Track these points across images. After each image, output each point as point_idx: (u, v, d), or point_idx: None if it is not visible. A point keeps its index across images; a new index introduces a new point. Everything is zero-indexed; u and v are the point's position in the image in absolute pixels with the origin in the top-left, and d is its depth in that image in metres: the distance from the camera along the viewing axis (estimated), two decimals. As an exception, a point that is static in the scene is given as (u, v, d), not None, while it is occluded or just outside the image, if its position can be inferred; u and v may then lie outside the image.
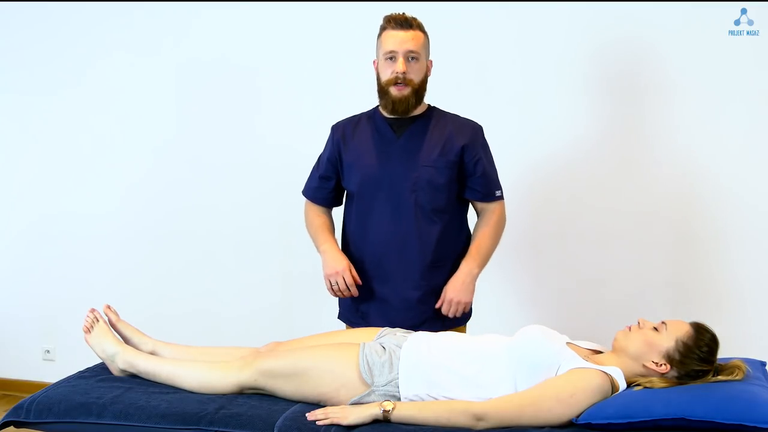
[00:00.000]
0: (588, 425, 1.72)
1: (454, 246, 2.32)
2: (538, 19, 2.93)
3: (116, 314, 2.25)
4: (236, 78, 3.33)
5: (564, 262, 2.99)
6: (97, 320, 2.18)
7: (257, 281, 3.36)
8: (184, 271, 3.47)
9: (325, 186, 2.41)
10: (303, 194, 2.48)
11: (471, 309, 2.41)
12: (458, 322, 2.36)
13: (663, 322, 1.89)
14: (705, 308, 2.76)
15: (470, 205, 2.39)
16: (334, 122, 2.43)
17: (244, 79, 3.32)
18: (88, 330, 2.17)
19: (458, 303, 2.25)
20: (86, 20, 3.49)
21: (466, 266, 2.27)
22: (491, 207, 2.34)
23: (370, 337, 2.04)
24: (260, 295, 3.36)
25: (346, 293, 2.28)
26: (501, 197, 2.35)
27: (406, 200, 2.25)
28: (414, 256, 2.26)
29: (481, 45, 3.01)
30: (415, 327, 2.18)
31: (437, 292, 2.28)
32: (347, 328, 2.43)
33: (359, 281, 2.28)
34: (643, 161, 2.88)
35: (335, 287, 2.28)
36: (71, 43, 3.53)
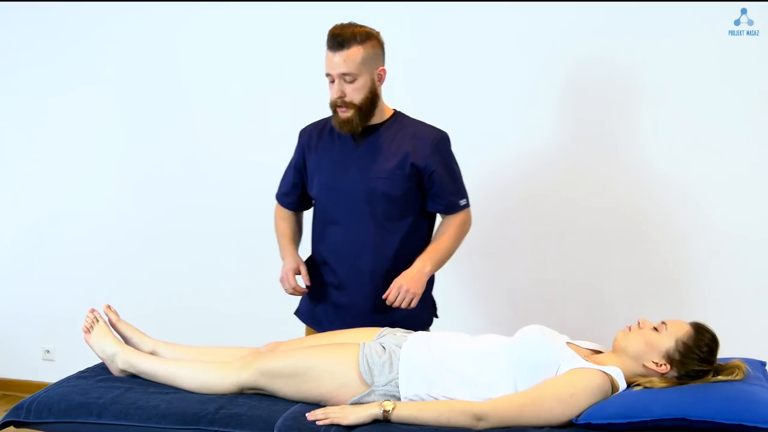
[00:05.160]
0: (588, 425, 1.72)
1: (416, 256, 2.26)
2: (518, 20, 2.93)
3: (116, 314, 2.25)
4: (237, 79, 3.33)
5: (564, 263, 2.99)
6: (97, 320, 2.18)
7: (257, 281, 3.36)
8: (184, 271, 3.47)
9: (293, 191, 2.42)
10: (275, 198, 2.50)
11: (432, 317, 2.40)
12: (418, 326, 2.28)
13: (663, 322, 1.89)
14: (704, 308, 2.76)
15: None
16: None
17: (245, 81, 3.32)
18: (88, 330, 2.16)
19: (407, 291, 2.17)
20: (86, 21, 3.49)
21: (420, 262, 2.23)
22: (455, 215, 2.31)
23: (370, 337, 2.04)
24: (260, 294, 3.36)
25: (296, 293, 2.34)
26: (466, 206, 2.31)
27: (362, 210, 2.24)
28: (368, 266, 2.25)
29: (453, 47, 3.02)
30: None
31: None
32: (306, 328, 2.47)
33: (305, 281, 2.32)
34: (642, 161, 2.87)
35: (286, 290, 2.34)
36: (69, 44, 3.53)
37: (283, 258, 2.39)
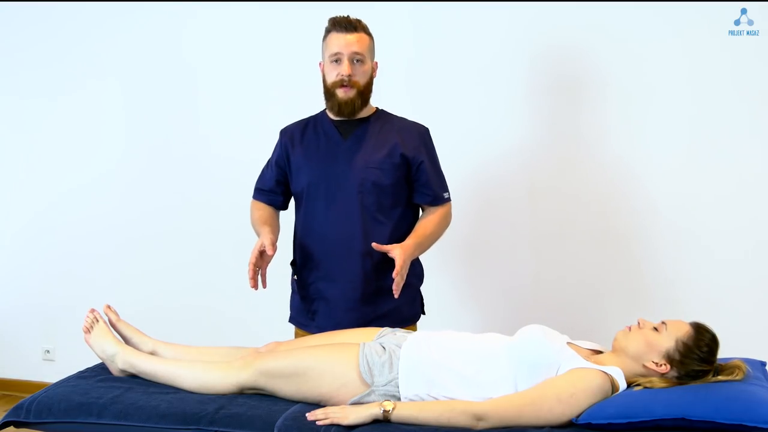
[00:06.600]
0: (588, 425, 1.72)
1: None
2: (519, 18, 2.94)
3: (116, 314, 2.25)
4: (237, 79, 3.33)
5: (564, 262, 2.99)
6: (97, 320, 2.18)
7: (257, 281, 3.36)
8: (184, 270, 3.47)
9: (276, 188, 2.42)
10: (253, 197, 2.48)
11: (420, 312, 2.40)
12: (407, 321, 2.33)
13: (663, 322, 1.89)
14: (704, 308, 2.76)
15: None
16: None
17: (246, 80, 3.32)
18: (88, 330, 2.17)
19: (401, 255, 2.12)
20: (85, 21, 3.50)
21: (406, 242, 2.19)
22: (438, 207, 2.33)
23: (370, 337, 2.04)
24: (260, 294, 3.35)
25: (252, 264, 2.20)
26: (449, 199, 2.36)
27: (352, 201, 2.25)
28: (359, 257, 2.25)
29: (449, 47, 3.03)
30: (360, 327, 2.18)
31: (382, 293, 2.25)
32: (296, 331, 2.45)
33: (270, 249, 2.19)
34: (642, 162, 2.87)
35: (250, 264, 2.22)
36: (68, 45, 3.53)
37: (259, 237, 2.30)
